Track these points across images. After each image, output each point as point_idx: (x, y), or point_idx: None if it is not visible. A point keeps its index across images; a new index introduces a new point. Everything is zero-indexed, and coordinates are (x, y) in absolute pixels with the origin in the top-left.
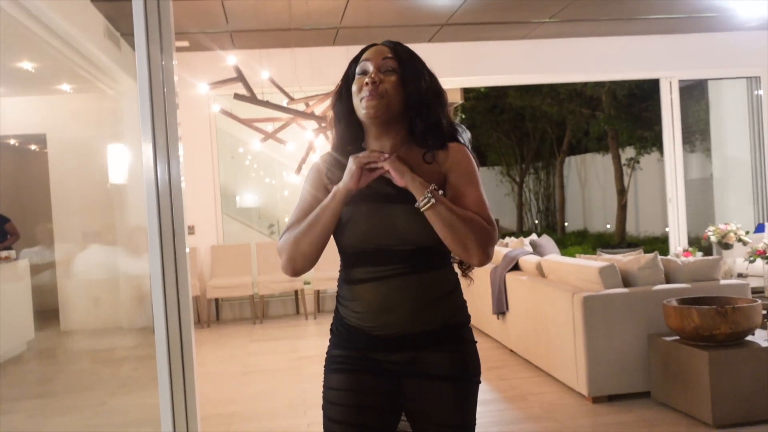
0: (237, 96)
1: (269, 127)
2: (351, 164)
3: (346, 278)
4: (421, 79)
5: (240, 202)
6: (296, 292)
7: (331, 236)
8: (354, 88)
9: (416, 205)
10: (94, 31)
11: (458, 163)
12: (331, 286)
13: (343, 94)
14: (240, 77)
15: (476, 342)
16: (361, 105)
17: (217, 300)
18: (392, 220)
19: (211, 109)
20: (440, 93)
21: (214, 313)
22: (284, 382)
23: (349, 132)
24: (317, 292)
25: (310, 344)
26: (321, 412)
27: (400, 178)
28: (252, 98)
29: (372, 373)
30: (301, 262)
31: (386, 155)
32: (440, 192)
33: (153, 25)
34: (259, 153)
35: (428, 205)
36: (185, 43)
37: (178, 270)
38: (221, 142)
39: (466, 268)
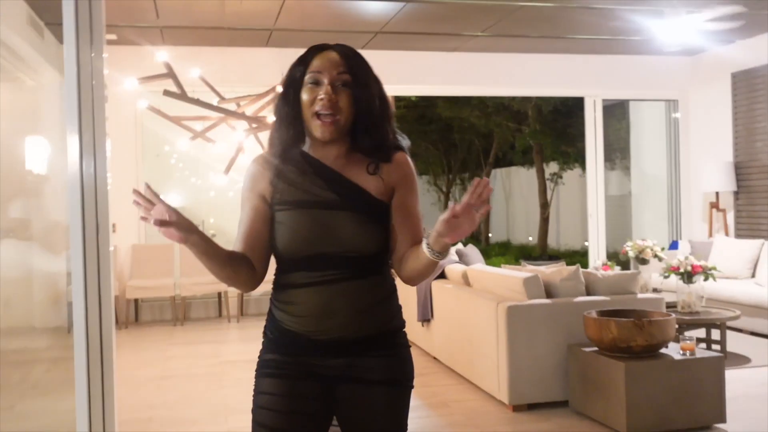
0: (167, 92)
1: (198, 127)
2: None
3: (283, 282)
4: (373, 95)
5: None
6: (219, 294)
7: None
8: (304, 97)
9: (433, 256)
10: (15, 18)
11: (406, 176)
12: (256, 289)
13: (289, 98)
14: (171, 73)
15: (410, 347)
16: (314, 123)
17: (136, 301)
18: (335, 227)
19: (137, 106)
20: (387, 106)
21: (132, 314)
22: (205, 388)
23: (292, 136)
24: (241, 295)
25: (233, 349)
26: (242, 418)
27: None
28: (182, 95)
29: (305, 378)
30: (242, 287)
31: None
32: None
33: (83, 17)
34: (185, 152)
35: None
36: (113, 37)
37: (100, 269)
38: (146, 140)
39: None
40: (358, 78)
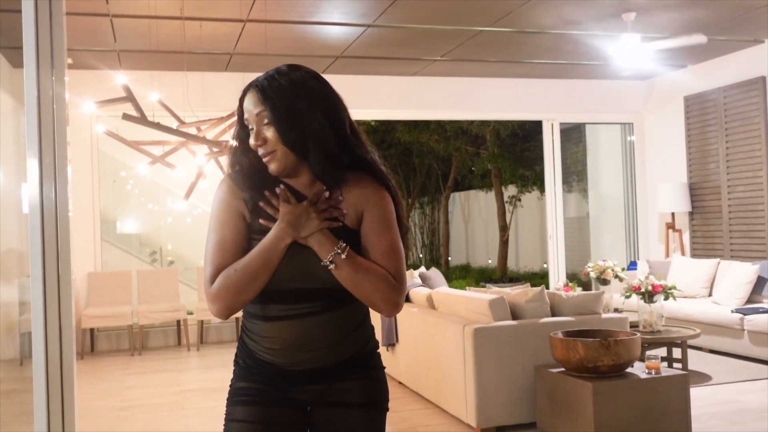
0: (126, 116)
1: (157, 151)
2: (310, 214)
3: (257, 314)
4: (293, 120)
5: (120, 228)
6: (178, 322)
7: None
8: (250, 142)
9: (322, 263)
10: None
11: (374, 204)
12: (215, 317)
13: (242, 138)
14: (130, 97)
15: (385, 368)
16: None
17: (92, 330)
18: (310, 262)
19: (94, 130)
20: (323, 125)
21: (89, 344)
22: (166, 417)
23: (257, 165)
24: (201, 323)
25: (194, 377)
26: None
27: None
28: (142, 119)
29: (281, 405)
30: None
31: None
32: (345, 245)
33: (44, 41)
34: (143, 178)
35: (331, 266)
36: (69, 61)
37: (61, 298)
38: (102, 165)
39: None
40: (277, 109)
